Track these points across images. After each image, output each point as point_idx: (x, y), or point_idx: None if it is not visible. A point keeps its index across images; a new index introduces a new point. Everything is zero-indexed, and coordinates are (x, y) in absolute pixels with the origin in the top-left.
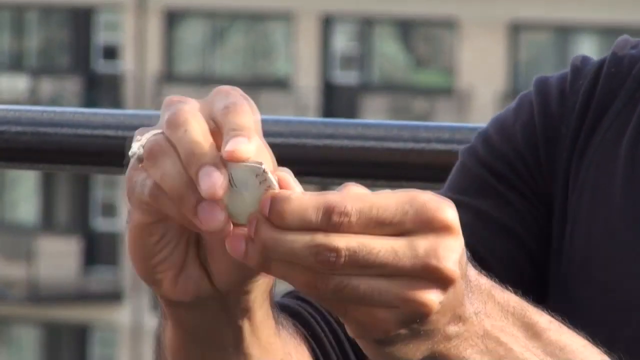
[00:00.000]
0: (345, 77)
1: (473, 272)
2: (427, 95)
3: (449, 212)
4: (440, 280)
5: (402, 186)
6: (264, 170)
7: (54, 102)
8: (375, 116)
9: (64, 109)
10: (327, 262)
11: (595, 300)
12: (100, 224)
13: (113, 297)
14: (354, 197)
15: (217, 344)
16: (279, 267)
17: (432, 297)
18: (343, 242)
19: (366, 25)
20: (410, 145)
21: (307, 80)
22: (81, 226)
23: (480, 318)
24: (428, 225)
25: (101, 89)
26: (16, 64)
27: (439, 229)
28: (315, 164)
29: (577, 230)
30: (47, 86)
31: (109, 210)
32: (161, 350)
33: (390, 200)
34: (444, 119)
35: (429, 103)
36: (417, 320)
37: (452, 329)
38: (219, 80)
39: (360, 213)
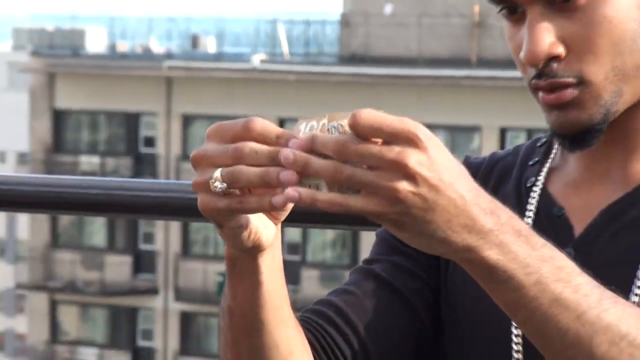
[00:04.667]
0: None
1: (487, 205)
2: None
3: (420, 131)
4: (408, 175)
5: None
6: None
7: (114, 173)
8: None
9: (125, 180)
10: (337, 149)
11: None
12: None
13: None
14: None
15: (279, 292)
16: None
17: (401, 185)
18: (349, 142)
19: None
20: None
21: None
22: (132, 246)
23: (496, 234)
24: (405, 139)
25: (143, 165)
26: (91, 149)
27: (411, 141)
28: None
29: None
30: (110, 162)
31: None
32: (232, 320)
33: (387, 118)
34: None
35: None
36: (395, 204)
37: (464, 235)
38: None
39: (366, 119)
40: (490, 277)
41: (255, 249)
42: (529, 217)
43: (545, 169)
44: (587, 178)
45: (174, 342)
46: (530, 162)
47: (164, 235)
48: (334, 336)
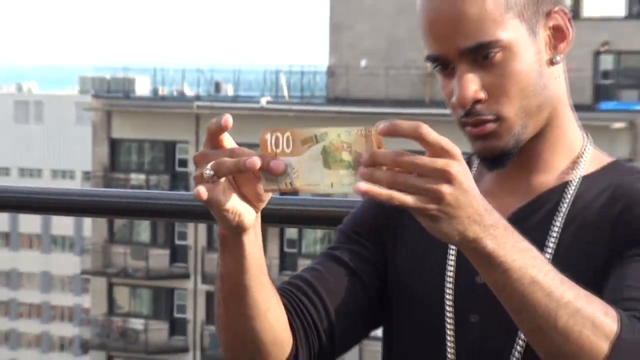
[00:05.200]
0: None
1: (488, 207)
2: None
3: (456, 149)
4: (450, 180)
5: None
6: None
7: (156, 187)
8: None
9: (164, 192)
10: (396, 160)
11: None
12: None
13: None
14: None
15: (258, 262)
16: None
17: (443, 188)
18: (405, 154)
19: None
20: None
21: None
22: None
23: (495, 228)
24: (447, 154)
25: (178, 180)
26: (139, 169)
27: (453, 156)
28: None
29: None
30: (153, 179)
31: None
32: (223, 284)
33: (440, 136)
34: None
35: None
36: (438, 203)
37: (475, 227)
38: None
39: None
40: (488, 262)
41: (239, 228)
42: None
43: None
44: (499, 190)
45: (201, 314)
46: None
47: (194, 233)
48: (303, 301)
